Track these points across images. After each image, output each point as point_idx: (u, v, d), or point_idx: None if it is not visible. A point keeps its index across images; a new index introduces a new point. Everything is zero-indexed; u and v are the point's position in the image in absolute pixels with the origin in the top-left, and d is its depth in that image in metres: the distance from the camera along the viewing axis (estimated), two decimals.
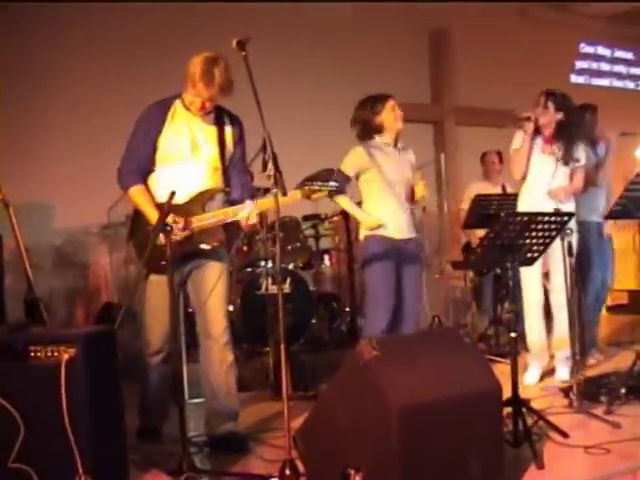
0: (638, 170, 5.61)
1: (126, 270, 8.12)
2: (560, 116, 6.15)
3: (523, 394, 4.80)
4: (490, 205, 7.36)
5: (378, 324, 5.72)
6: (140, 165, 4.79)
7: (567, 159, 6.15)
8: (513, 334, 4.79)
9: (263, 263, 7.33)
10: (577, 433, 4.80)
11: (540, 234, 4.74)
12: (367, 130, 5.93)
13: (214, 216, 4.68)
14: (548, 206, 5.84)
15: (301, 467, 4.03)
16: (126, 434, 4.19)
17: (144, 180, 4.81)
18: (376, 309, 5.81)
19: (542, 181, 6.18)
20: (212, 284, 4.84)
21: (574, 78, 12.71)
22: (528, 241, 4.75)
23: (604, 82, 13.10)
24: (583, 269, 6.89)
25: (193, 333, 5.10)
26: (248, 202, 4.62)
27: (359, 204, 6.02)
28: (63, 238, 8.02)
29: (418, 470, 3.51)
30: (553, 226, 4.78)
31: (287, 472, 3.97)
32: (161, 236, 4.56)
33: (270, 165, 4.15)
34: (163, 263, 4.47)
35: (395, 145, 5.92)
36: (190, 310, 5.28)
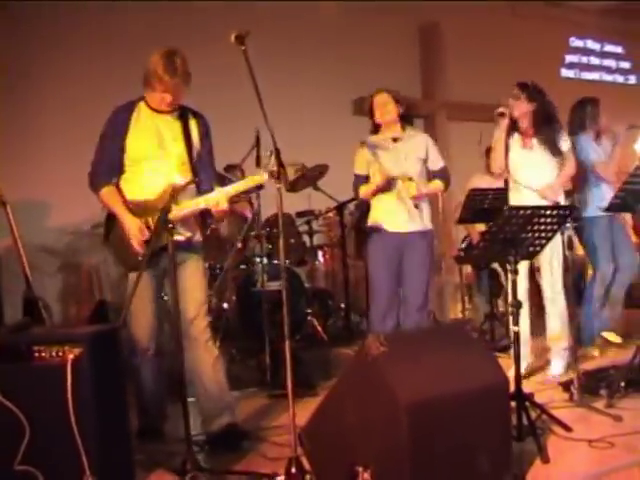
0: (638, 163, 5.60)
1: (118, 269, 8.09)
2: (533, 107, 6.13)
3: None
4: (485, 199, 7.32)
5: (379, 310, 5.89)
6: (110, 167, 4.86)
7: (552, 151, 6.13)
8: (515, 328, 4.78)
9: (258, 260, 7.28)
10: (579, 427, 4.81)
11: (542, 228, 4.72)
12: (372, 128, 6.06)
13: (185, 207, 4.69)
14: (536, 202, 5.84)
15: (307, 465, 4.02)
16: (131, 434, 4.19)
17: (114, 181, 4.88)
18: (377, 296, 5.97)
19: (527, 176, 6.16)
20: (189, 282, 4.85)
21: (564, 72, 12.74)
22: (530, 235, 4.73)
23: (594, 76, 13.12)
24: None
25: None
26: (217, 188, 4.68)
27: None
28: (55, 237, 7.98)
29: (427, 466, 3.49)
30: (555, 220, 4.76)
31: (293, 470, 3.96)
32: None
33: (273, 160, 4.12)
34: (140, 259, 4.62)
35: (395, 140, 5.95)
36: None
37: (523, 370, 6.19)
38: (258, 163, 6.72)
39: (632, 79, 13.67)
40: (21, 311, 5.94)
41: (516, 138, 6.17)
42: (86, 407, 3.66)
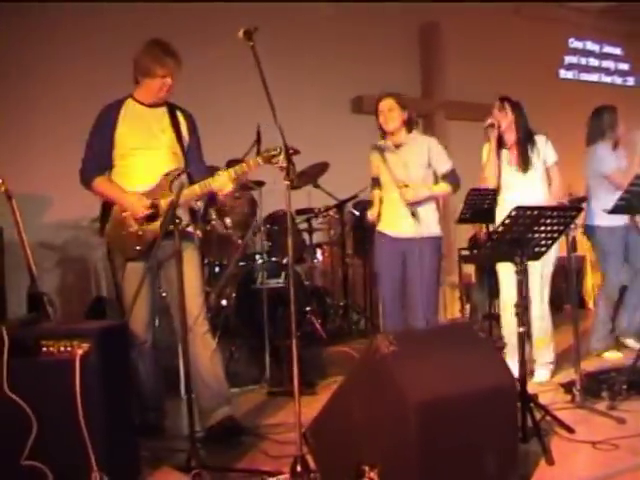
0: None
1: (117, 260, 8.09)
2: (515, 119, 6.12)
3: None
4: (485, 199, 7.30)
5: (386, 309, 6.01)
6: (99, 161, 4.94)
7: (523, 166, 6.11)
8: (521, 329, 4.76)
9: (258, 257, 7.27)
10: (582, 428, 4.80)
11: (549, 228, 4.71)
12: (381, 132, 6.04)
13: (191, 191, 4.77)
14: None
15: (312, 463, 4.00)
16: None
17: (105, 173, 4.96)
18: (383, 301, 6.09)
19: (515, 194, 6.09)
20: (185, 273, 4.80)
21: (563, 73, 12.76)
22: (537, 235, 4.72)
23: (593, 77, 13.13)
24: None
25: None
26: (220, 171, 4.75)
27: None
28: (52, 232, 7.95)
29: (434, 466, 3.48)
30: (561, 220, 4.75)
31: (298, 468, 3.94)
32: (133, 222, 4.81)
33: (282, 156, 4.13)
34: (137, 248, 4.75)
35: (398, 146, 5.95)
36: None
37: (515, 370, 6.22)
38: None
39: (630, 81, 13.70)
40: (25, 306, 5.92)
41: (504, 154, 6.16)
42: (94, 402, 3.66)
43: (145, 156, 4.89)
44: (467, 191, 7.22)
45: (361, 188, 7.54)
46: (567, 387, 5.66)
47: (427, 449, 3.44)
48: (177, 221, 4.26)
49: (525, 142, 6.07)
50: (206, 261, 7.06)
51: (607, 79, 13.32)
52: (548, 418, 4.83)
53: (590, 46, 13.10)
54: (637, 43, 13.23)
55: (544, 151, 6.09)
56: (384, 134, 5.99)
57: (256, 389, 6.27)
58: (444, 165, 5.96)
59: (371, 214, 6.04)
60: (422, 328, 5.51)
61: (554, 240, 4.88)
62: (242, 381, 6.28)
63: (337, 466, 3.81)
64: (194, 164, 5.08)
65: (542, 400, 5.15)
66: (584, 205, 6.78)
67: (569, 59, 12.86)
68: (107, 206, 4.94)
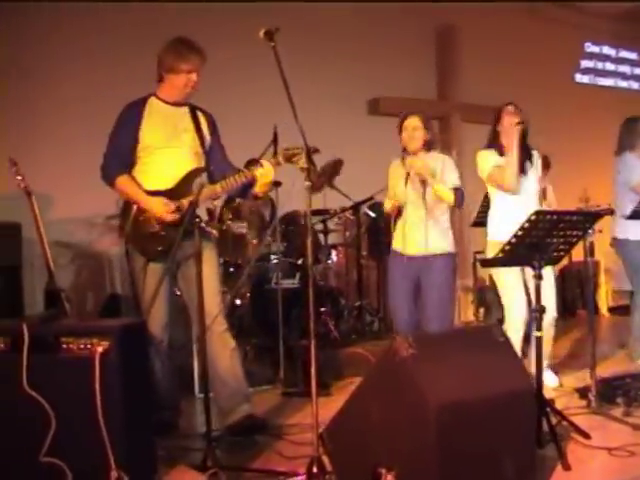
0: None
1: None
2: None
3: None
4: None
5: (400, 326, 5.81)
6: (122, 158, 4.92)
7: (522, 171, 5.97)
8: (538, 333, 4.75)
9: (273, 257, 7.27)
10: (598, 434, 4.78)
11: (567, 233, 4.70)
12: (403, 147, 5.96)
13: (227, 183, 4.81)
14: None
15: (328, 464, 3.99)
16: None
17: (128, 171, 4.93)
18: (396, 321, 5.96)
19: (518, 204, 5.93)
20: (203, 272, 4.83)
21: (579, 77, 12.70)
22: (555, 240, 4.71)
23: (609, 82, 13.07)
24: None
25: None
26: (264, 161, 4.79)
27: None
28: (67, 229, 7.94)
29: (453, 469, 3.48)
30: (580, 225, 4.75)
31: (314, 469, 3.94)
32: (154, 223, 4.80)
33: (304, 158, 4.12)
34: (159, 249, 4.75)
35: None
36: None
37: None
38: None
39: None
40: (40, 302, 5.94)
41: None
42: (113, 400, 3.66)
43: (167, 155, 4.90)
44: (483, 195, 7.24)
45: (377, 190, 7.53)
46: (582, 392, 5.65)
47: (446, 452, 3.44)
48: (197, 220, 4.27)
49: (526, 149, 6.00)
50: (221, 261, 7.07)
51: (623, 84, 13.25)
52: (564, 423, 4.82)
53: (606, 50, 13.04)
54: None
55: (537, 163, 6.03)
56: (404, 150, 5.90)
57: (270, 389, 6.27)
58: (453, 181, 5.79)
59: (389, 206, 5.95)
60: (441, 331, 5.48)
61: (572, 245, 4.87)
62: (256, 381, 6.26)
63: (353, 468, 3.81)
64: (215, 164, 5.08)
65: (557, 405, 5.15)
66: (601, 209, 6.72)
67: (585, 63, 12.81)
68: (127, 205, 4.95)
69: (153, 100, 5.00)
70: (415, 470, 3.49)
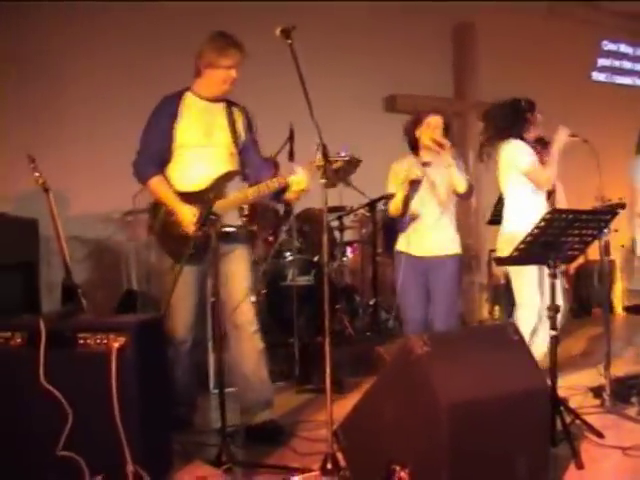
0: None
1: (148, 257, 8.11)
2: None
3: None
4: None
5: (409, 327, 5.77)
6: (157, 156, 4.85)
7: None
8: (553, 332, 4.75)
9: (288, 254, 7.29)
10: (612, 434, 4.78)
11: (583, 232, 4.71)
12: (410, 145, 5.89)
13: (260, 189, 4.71)
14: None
15: (342, 461, 4.01)
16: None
17: (162, 171, 4.87)
18: (407, 323, 5.87)
19: (540, 200, 6.00)
20: (236, 272, 4.88)
21: (595, 75, 12.65)
22: (570, 239, 4.71)
23: (626, 80, 12.99)
24: None
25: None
26: (298, 168, 4.64)
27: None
28: (84, 225, 7.97)
29: (465, 468, 3.48)
30: (596, 224, 4.75)
31: (329, 466, 3.96)
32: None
33: (319, 155, 4.12)
34: (188, 252, 4.55)
35: (428, 163, 5.78)
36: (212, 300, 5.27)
37: None
38: (291, 157, 6.72)
39: None
40: (56, 297, 5.97)
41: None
42: (129, 395, 3.70)
43: (201, 154, 4.83)
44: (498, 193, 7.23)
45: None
46: (596, 391, 5.65)
47: (458, 450, 3.44)
48: (214, 217, 4.28)
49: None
50: None
51: None
52: (577, 422, 4.81)
53: (624, 49, 12.95)
54: None
55: None
56: (415, 148, 5.85)
57: (285, 386, 6.29)
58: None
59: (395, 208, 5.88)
60: (456, 330, 5.48)
61: (588, 244, 4.87)
62: (271, 378, 6.26)
63: (367, 464, 3.82)
64: (250, 165, 5.03)
65: (571, 404, 5.14)
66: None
67: (602, 62, 12.73)
68: (157, 205, 4.91)
69: (189, 95, 4.91)
70: (428, 468, 3.49)
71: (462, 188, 5.62)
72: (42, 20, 7.81)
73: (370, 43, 9.97)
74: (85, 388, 3.73)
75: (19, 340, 3.87)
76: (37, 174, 5.91)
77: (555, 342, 4.74)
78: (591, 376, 6.24)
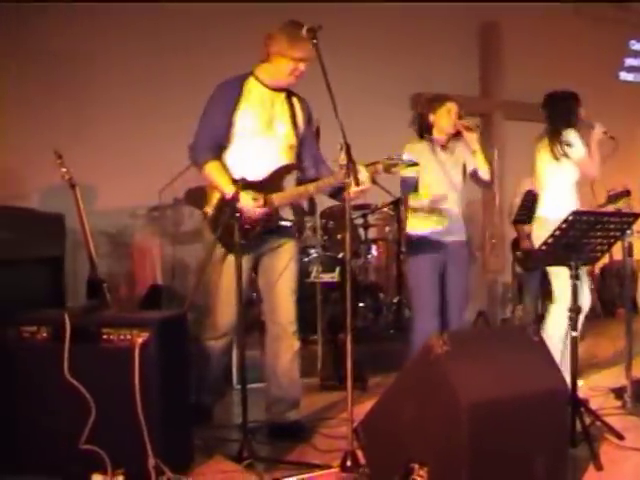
0: None
1: (173, 252, 8.17)
2: None
3: None
4: None
5: (427, 325, 5.59)
6: (215, 141, 4.71)
7: None
8: (574, 333, 4.75)
9: (313, 251, 7.31)
10: (632, 435, 4.77)
11: (605, 234, 4.71)
12: (420, 127, 5.88)
13: (318, 185, 4.68)
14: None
15: (362, 458, 4.03)
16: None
17: (219, 156, 4.74)
18: (422, 309, 5.76)
19: (569, 194, 6.03)
20: (282, 269, 4.84)
21: (623, 75, 12.58)
22: (592, 241, 4.72)
23: None
24: None
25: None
26: (361, 167, 4.46)
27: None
28: (109, 220, 8.02)
29: (484, 467, 3.49)
30: (618, 226, 4.76)
31: (348, 463, 3.99)
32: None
33: (343, 155, 4.11)
34: (242, 242, 4.46)
35: (445, 147, 5.83)
36: (254, 294, 5.26)
37: None
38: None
39: None
40: (82, 292, 6.02)
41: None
42: (152, 391, 3.74)
43: (261, 144, 4.71)
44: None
45: None
46: (618, 393, 5.65)
47: (477, 450, 3.45)
48: (238, 215, 4.29)
49: None
50: None
51: None
52: (598, 424, 4.81)
53: None
54: None
55: None
56: (429, 131, 5.84)
57: (308, 382, 6.29)
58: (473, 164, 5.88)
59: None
60: (476, 329, 5.49)
61: (610, 245, 4.88)
62: None
63: (387, 462, 3.83)
64: (309, 158, 4.96)
65: (592, 405, 5.14)
66: None
67: (630, 61, 12.65)
68: (211, 193, 4.79)
69: (251, 80, 4.77)
70: (447, 467, 3.51)
71: (487, 175, 5.74)
72: (69, 17, 7.86)
73: (397, 42, 9.96)
74: (108, 383, 3.77)
75: (45, 334, 3.92)
76: (64, 170, 5.96)
77: (575, 343, 4.75)
78: (613, 377, 6.24)
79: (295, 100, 4.90)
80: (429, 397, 3.62)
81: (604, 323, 9.12)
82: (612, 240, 4.83)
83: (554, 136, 5.92)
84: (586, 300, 5.75)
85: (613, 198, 6.74)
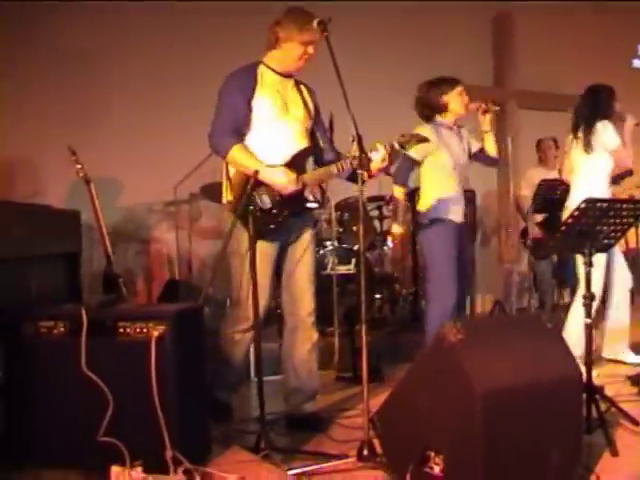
0: None
1: (190, 247, 8.20)
2: None
3: None
4: (555, 190, 7.34)
5: (448, 299, 5.74)
6: (236, 126, 4.68)
7: None
8: (588, 320, 4.76)
9: (329, 243, 7.32)
10: None
11: (618, 221, 4.72)
12: (430, 109, 6.01)
13: (341, 165, 4.63)
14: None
15: (378, 448, 4.06)
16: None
17: (242, 140, 4.69)
18: (444, 292, 5.79)
19: (603, 183, 6.16)
20: (302, 259, 4.85)
21: (636, 63, 12.54)
22: (605, 228, 4.73)
23: None
24: None
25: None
26: (379, 145, 4.52)
27: (416, 191, 6.23)
28: (126, 216, 8.06)
29: (499, 454, 3.49)
30: (632, 213, 4.76)
31: (365, 452, 4.02)
32: (267, 200, 4.61)
33: (355, 146, 4.13)
34: (271, 227, 4.55)
35: (450, 128, 5.98)
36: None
37: None
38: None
39: None
40: (98, 287, 6.06)
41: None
42: (168, 383, 3.77)
43: (280, 127, 4.71)
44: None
45: None
46: (634, 380, 5.64)
47: (492, 437, 3.46)
48: (251, 208, 4.29)
49: None
50: None
51: None
52: (613, 410, 4.81)
53: None
54: None
55: None
56: (440, 113, 5.98)
57: (324, 374, 6.30)
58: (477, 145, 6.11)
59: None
60: (490, 317, 5.52)
61: (624, 232, 4.88)
62: None
63: (403, 451, 3.84)
64: (324, 139, 4.99)
65: (609, 392, 5.13)
66: None
67: None
68: (237, 179, 4.70)
69: (263, 68, 4.77)
70: (462, 455, 3.52)
71: (495, 153, 6.04)
72: (83, 15, 7.89)
73: (411, 32, 9.96)
74: (125, 375, 3.80)
75: (62, 329, 3.95)
76: (79, 166, 6.00)
77: (590, 330, 4.76)
78: (631, 365, 6.24)
79: (302, 87, 4.95)
80: (444, 385, 3.62)
81: None
82: (626, 227, 4.83)
83: (590, 127, 6.04)
84: (626, 281, 5.88)
85: (617, 179, 6.78)
